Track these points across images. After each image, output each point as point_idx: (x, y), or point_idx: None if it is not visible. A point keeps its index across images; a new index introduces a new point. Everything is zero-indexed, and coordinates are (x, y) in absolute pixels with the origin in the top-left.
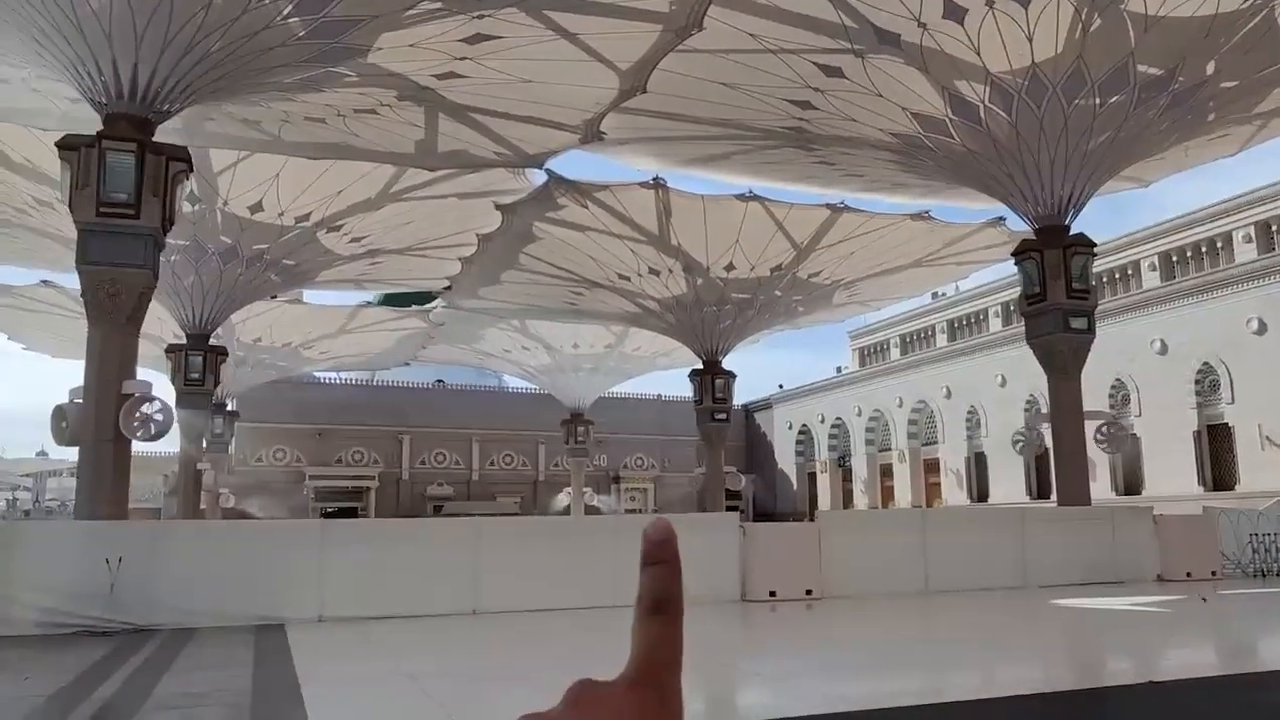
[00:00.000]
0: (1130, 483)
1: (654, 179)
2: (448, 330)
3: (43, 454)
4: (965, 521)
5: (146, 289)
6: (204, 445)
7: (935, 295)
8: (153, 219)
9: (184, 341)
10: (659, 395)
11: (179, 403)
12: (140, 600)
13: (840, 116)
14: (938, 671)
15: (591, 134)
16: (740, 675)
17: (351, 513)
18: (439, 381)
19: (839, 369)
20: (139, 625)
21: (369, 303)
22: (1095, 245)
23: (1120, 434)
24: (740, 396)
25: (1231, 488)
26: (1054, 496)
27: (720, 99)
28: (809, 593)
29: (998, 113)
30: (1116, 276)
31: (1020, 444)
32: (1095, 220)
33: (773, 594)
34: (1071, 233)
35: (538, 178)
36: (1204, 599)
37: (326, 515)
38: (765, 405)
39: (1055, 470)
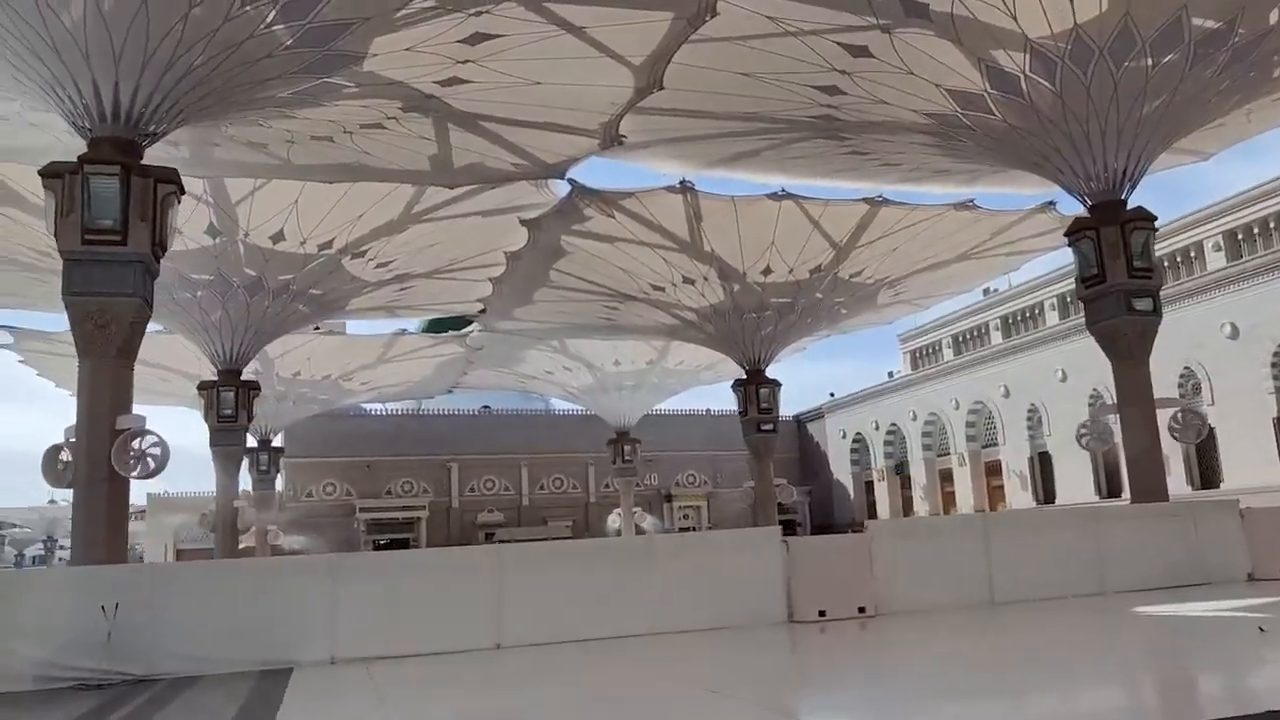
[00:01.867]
0: (1207, 476)
1: (681, 182)
2: (487, 354)
3: (53, 501)
4: (1032, 524)
5: (138, 318)
6: (238, 482)
7: (987, 292)
8: (141, 244)
9: (216, 378)
10: (708, 410)
11: (213, 440)
12: (140, 649)
13: (870, 100)
14: (1011, 700)
15: (611, 138)
16: (770, 714)
17: (404, 544)
18: (485, 408)
19: (890, 374)
20: (139, 675)
21: (405, 331)
22: (1156, 219)
23: (1195, 422)
24: (792, 407)
25: None
26: (1125, 494)
27: (741, 90)
28: (861, 610)
29: (1040, 82)
30: (1179, 260)
31: (1086, 438)
32: (1154, 207)
33: (822, 613)
34: (1129, 208)
35: (561, 189)
36: (1261, 629)
37: (378, 547)
38: (817, 415)
39: (1127, 465)
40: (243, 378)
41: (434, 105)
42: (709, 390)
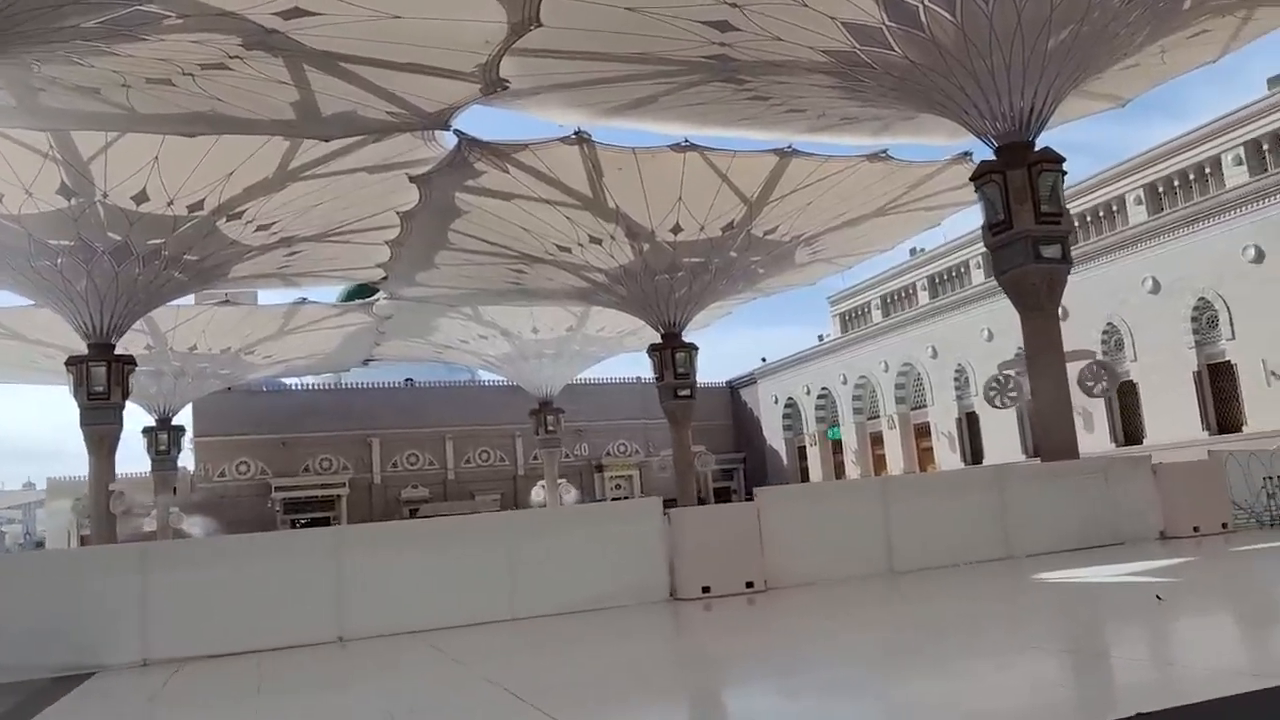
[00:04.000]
0: (1130, 432)
1: (576, 133)
2: (398, 324)
3: (30, 485)
4: (934, 487)
5: None
6: (113, 464)
7: (914, 252)
8: None
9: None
10: (639, 378)
11: (83, 419)
12: None
13: (765, 37)
14: (866, 691)
15: (492, 82)
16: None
17: (324, 522)
18: (408, 381)
19: (820, 337)
20: None
21: (306, 300)
22: (1064, 160)
23: (1106, 375)
24: (726, 374)
25: (1239, 429)
26: None
27: (627, 28)
28: (750, 585)
29: (940, 13)
30: (1101, 215)
31: (995, 394)
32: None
33: (706, 590)
34: (1037, 150)
35: (449, 142)
36: (1159, 597)
37: (296, 527)
38: (750, 381)
39: (1036, 420)
40: (117, 352)
41: (280, 42)
42: (641, 358)
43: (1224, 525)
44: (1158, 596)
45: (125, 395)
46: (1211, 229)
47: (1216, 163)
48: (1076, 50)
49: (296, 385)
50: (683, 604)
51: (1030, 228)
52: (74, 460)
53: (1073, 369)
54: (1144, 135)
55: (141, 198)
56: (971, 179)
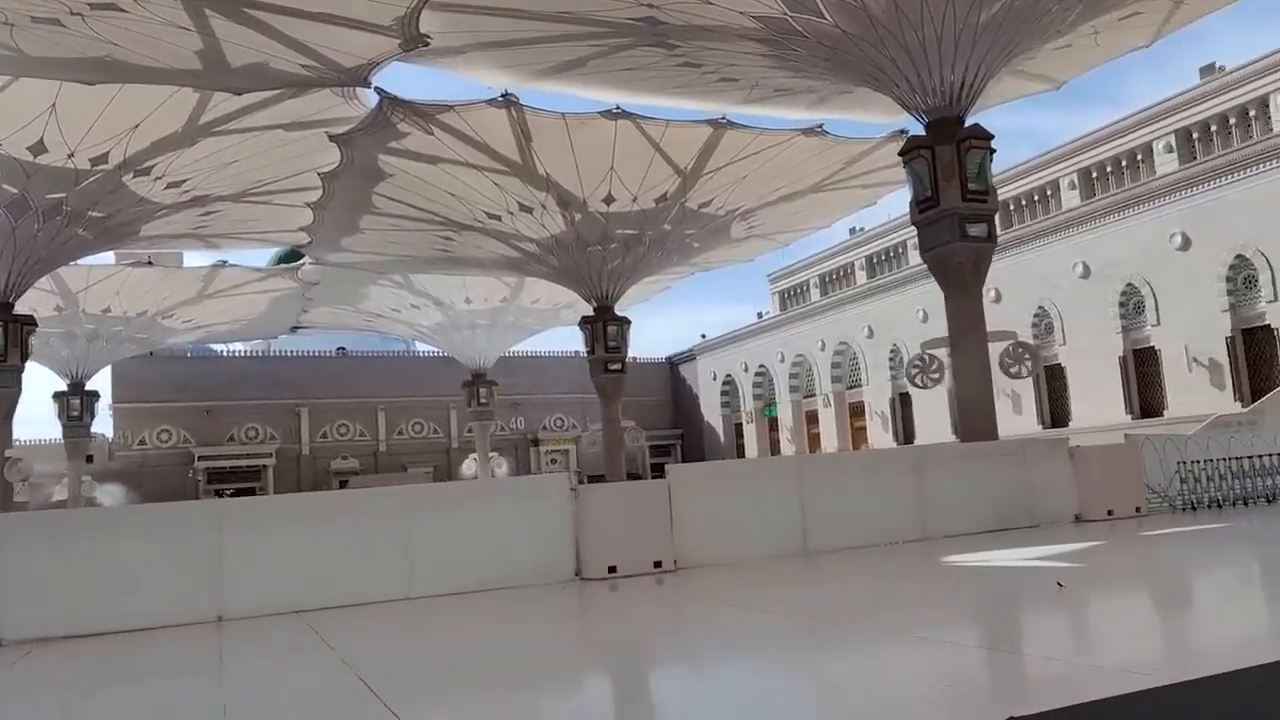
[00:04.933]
0: (1058, 415)
1: (503, 95)
2: (326, 290)
3: None
4: (849, 467)
5: None
6: (11, 429)
7: (853, 231)
8: None
9: None
10: (576, 352)
11: None
12: None
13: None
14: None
15: (412, 37)
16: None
17: (249, 493)
18: (341, 350)
19: (760, 315)
20: None
21: (225, 263)
22: (993, 137)
23: (1027, 356)
24: (666, 349)
25: (1160, 414)
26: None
27: None
28: (658, 565)
29: None
30: (1035, 199)
31: (917, 372)
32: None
33: (612, 570)
34: (967, 125)
35: (371, 100)
36: (1060, 584)
37: (220, 496)
38: (689, 357)
39: (957, 401)
40: (20, 312)
41: None
42: (580, 332)
43: (1138, 509)
44: (1059, 584)
45: (25, 357)
46: (1142, 215)
47: (1148, 150)
48: (1008, 25)
49: (224, 351)
50: (588, 584)
51: (957, 205)
52: None
53: (995, 350)
54: (1086, 123)
55: (39, 149)
56: (900, 154)
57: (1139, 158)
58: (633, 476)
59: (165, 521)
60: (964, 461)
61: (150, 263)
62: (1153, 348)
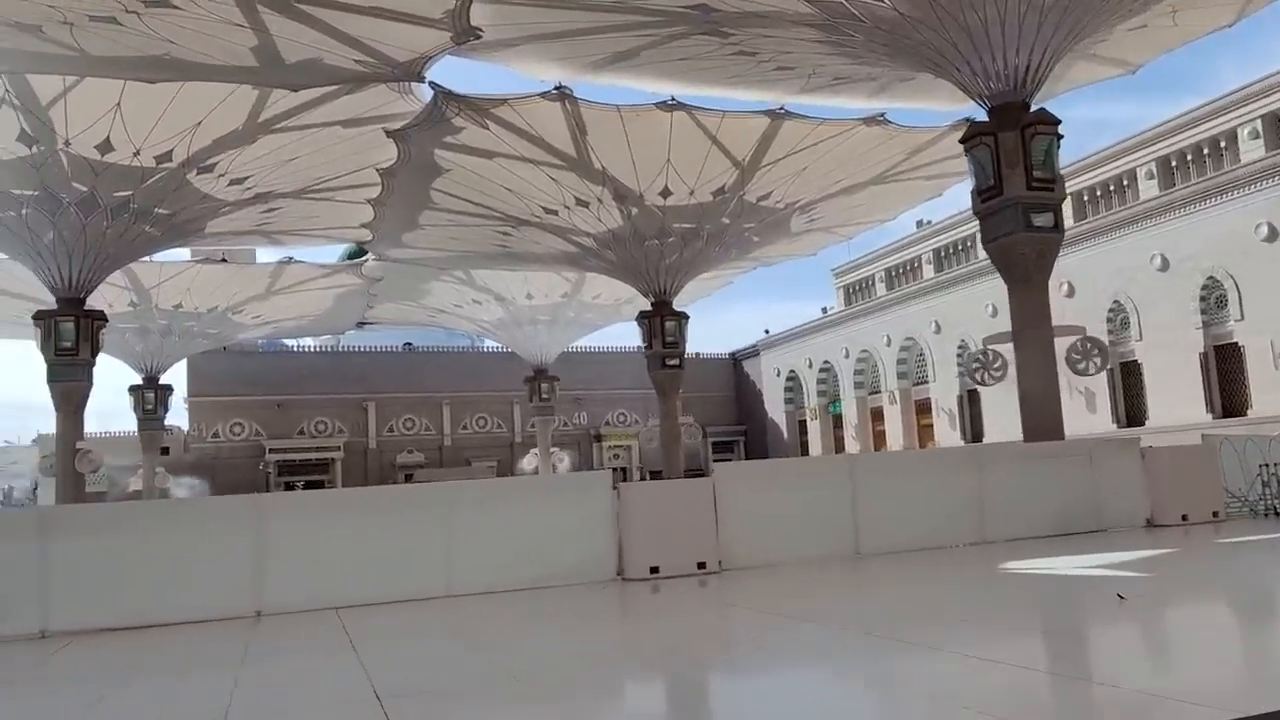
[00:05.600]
0: (1134, 413)
1: (557, 88)
2: (389, 286)
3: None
4: (906, 467)
5: None
6: (82, 421)
7: (920, 224)
8: None
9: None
10: (638, 347)
11: (50, 375)
12: None
13: None
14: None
15: (463, 29)
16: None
17: (318, 485)
18: (408, 345)
19: (824, 310)
20: None
21: (292, 259)
22: (1060, 122)
23: (1097, 351)
24: (730, 345)
25: (1243, 413)
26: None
27: None
28: (702, 566)
29: None
30: (1111, 189)
31: (978, 369)
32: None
33: (654, 570)
34: (1033, 110)
35: (427, 96)
36: (1120, 596)
37: (290, 489)
38: (753, 353)
39: (1020, 399)
40: (95, 306)
41: None
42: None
43: (1215, 514)
44: (1119, 596)
45: (95, 352)
46: (1225, 205)
47: (1233, 136)
48: (1075, 4)
49: (295, 346)
50: (629, 584)
51: (1021, 194)
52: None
53: (1062, 345)
54: (1170, 113)
55: (106, 147)
56: (961, 141)
57: (1222, 145)
58: (694, 473)
59: (208, 515)
60: (1026, 462)
61: (224, 260)
62: (1236, 344)
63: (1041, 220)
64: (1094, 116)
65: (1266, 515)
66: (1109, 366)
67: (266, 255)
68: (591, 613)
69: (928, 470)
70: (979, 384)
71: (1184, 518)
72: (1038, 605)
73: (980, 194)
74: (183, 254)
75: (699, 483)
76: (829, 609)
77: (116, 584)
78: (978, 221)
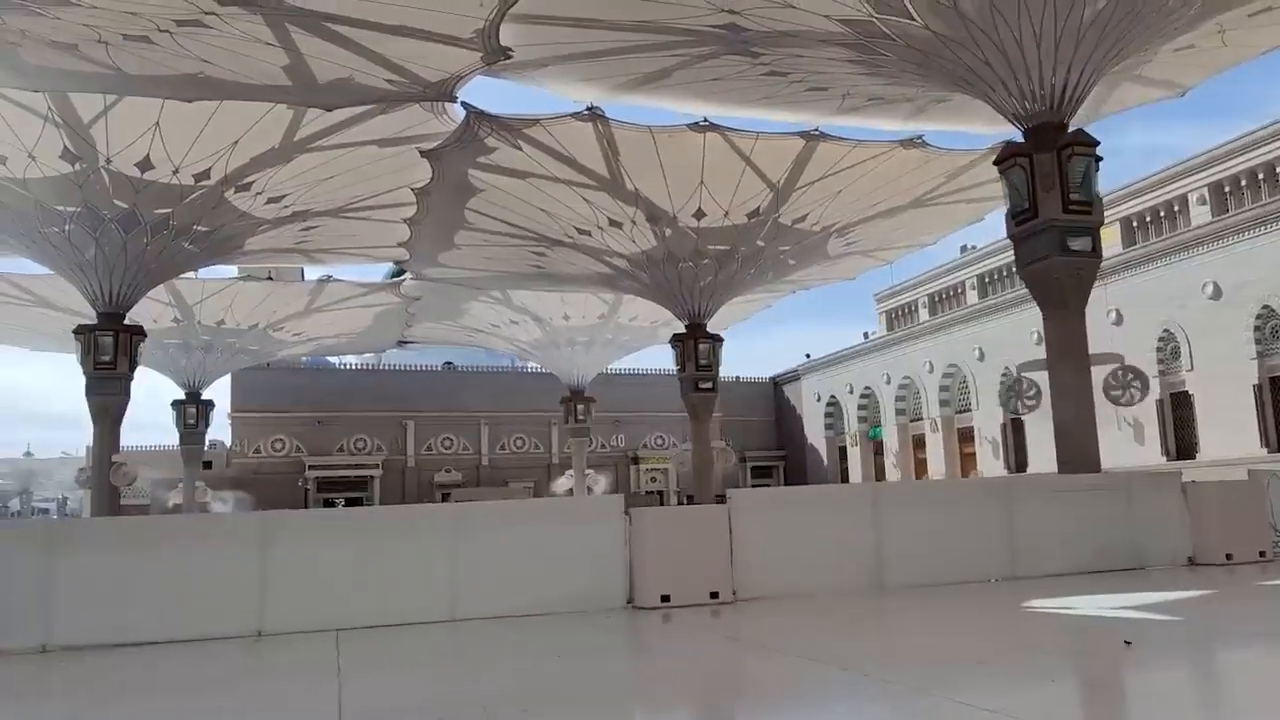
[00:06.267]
0: (1184, 446)
1: (588, 108)
2: (427, 305)
3: (29, 454)
4: (933, 497)
5: None
6: (118, 435)
7: (964, 249)
8: None
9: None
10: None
11: (89, 389)
12: None
13: (776, 3)
14: None
15: (493, 49)
16: None
17: (357, 503)
18: (448, 364)
19: (865, 335)
20: None
21: (330, 277)
22: (1098, 144)
23: (1136, 381)
24: (770, 369)
25: None
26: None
27: None
28: (714, 595)
29: None
30: (1161, 214)
31: (1011, 398)
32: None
33: (665, 599)
34: (1070, 131)
35: (460, 116)
36: (1127, 643)
37: (329, 506)
38: (793, 377)
39: (1055, 430)
40: (136, 322)
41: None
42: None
43: (1261, 553)
44: (1126, 642)
45: (133, 366)
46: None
47: None
48: (1115, 23)
49: (337, 363)
50: (639, 613)
51: (1057, 217)
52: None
53: (1099, 374)
54: (1223, 139)
55: (146, 165)
56: (995, 162)
57: (1278, 171)
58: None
59: (212, 533)
60: (1059, 495)
61: (270, 277)
62: None
63: (1079, 244)
64: (1148, 143)
65: None
66: (1158, 398)
67: (313, 274)
68: (596, 645)
69: (955, 502)
70: (1012, 413)
71: (1228, 557)
72: (1071, 652)
73: (1015, 217)
74: (228, 270)
75: (713, 510)
76: (843, 649)
77: (119, 600)
78: None
